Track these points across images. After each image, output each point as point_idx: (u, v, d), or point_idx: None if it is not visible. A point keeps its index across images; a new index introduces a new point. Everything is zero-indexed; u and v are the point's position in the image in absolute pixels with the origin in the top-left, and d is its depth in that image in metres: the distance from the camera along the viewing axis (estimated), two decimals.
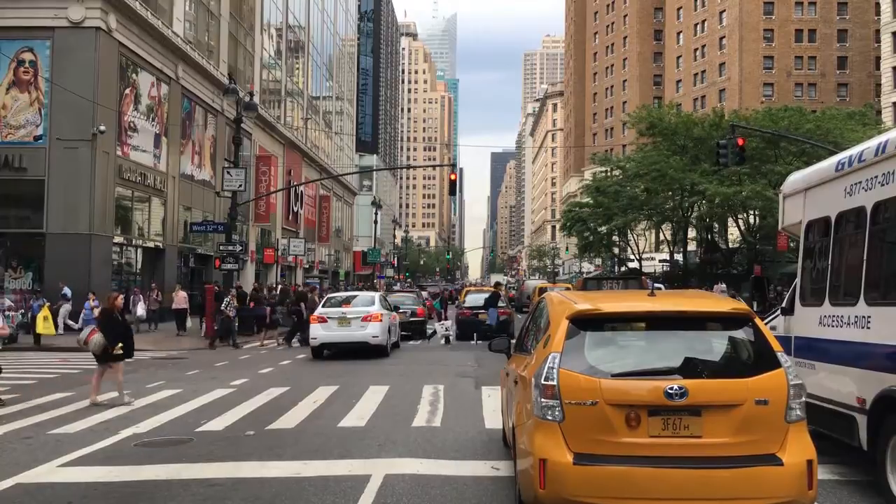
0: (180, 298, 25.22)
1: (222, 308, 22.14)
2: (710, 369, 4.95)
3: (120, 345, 11.35)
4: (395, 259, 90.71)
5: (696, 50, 79.45)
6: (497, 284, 29.32)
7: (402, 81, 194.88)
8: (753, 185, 35.73)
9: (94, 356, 11.45)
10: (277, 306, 26.03)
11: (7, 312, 19.99)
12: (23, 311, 23.23)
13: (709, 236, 48.50)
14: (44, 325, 20.61)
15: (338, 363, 17.04)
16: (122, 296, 12.93)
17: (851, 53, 71.79)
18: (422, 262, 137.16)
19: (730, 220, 44.17)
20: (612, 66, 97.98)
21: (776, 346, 4.97)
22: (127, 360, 11.82)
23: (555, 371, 4.81)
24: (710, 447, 4.60)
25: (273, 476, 6.93)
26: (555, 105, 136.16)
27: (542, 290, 29.96)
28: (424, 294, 29.75)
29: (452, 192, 33.45)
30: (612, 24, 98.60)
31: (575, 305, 5.28)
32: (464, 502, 6.12)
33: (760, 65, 72.35)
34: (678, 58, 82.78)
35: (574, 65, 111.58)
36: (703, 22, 78.50)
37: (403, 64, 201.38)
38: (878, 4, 64.62)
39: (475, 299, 25.96)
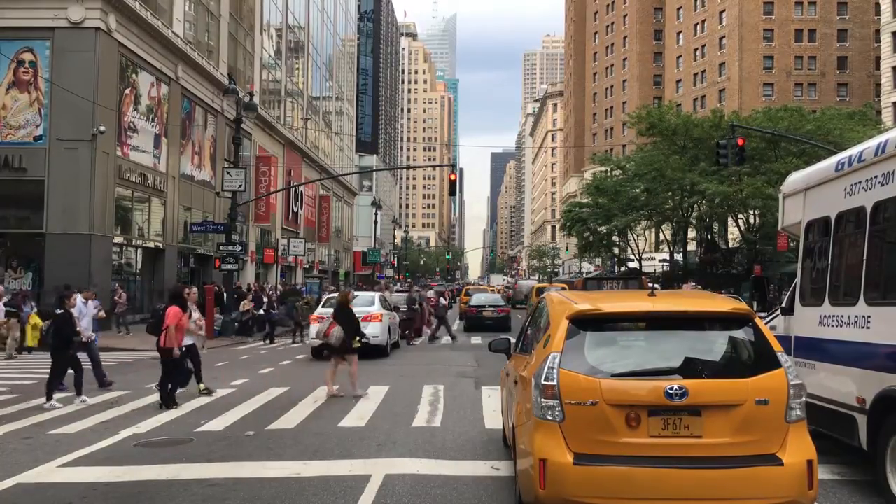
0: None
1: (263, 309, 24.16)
2: (711, 369, 4.95)
3: (357, 338, 11.77)
4: (395, 259, 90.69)
5: (696, 50, 79.45)
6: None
7: (402, 81, 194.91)
8: (753, 181, 35.71)
9: (329, 349, 11.93)
10: (280, 306, 26.16)
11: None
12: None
13: (709, 236, 48.50)
14: (32, 335, 18.65)
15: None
16: (353, 290, 13.85)
17: (851, 53, 71.77)
18: (422, 263, 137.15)
19: (730, 219, 44.16)
20: (612, 66, 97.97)
21: (776, 345, 4.97)
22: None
23: (555, 371, 4.81)
24: (710, 447, 4.59)
25: (273, 476, 6.93)
26: (555, 105, 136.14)
27: (541, 291, 30.38)
28: (430, 293, 29.65)
29: (452, 192, 33.42)
30: (612, 24, 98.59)
31: (575, 305, 5.28)
32: (464, 502, 6.12)
33: (760, 65, 72.33)
34: (678, 58, 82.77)
35: (574, 65, 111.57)
36: (703, 22, 78.49)
37: (403, 64, 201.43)
38: (878, 4, 64.61)
39: (479, 298, 30.66)
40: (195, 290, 12.97)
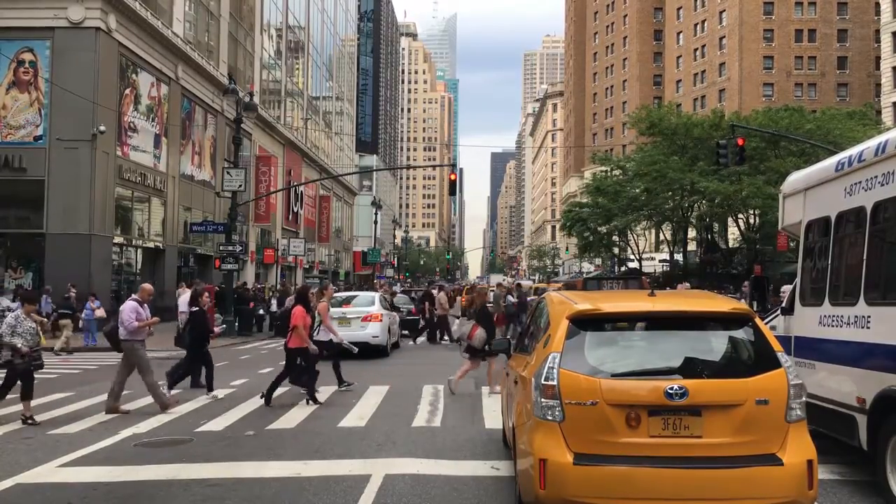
0: (183, 302, 25.55)
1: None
2: (711, 369, 4.95)
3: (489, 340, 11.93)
4: (395, 259, 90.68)
5: (696, 50, 79.45)
6: (499, 285, 29.23)
7: (402, 81, 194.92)
8: (753, 180, 35.71)
9: (471, 351, 12.23)
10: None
11: (6, 313, 19.96)
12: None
13: (709, 236, 48.50)
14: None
15: None
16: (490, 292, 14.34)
17: (851, 53, 71.77)
18: (422, 263, 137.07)
19: (729, 219, 44.16)
20: (612, 66, 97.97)
21: (776, 345, 4.96)
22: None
23: (555, 371, 4.81)
24: (710, 447, 4.59)
25: (273, 476, 6.92)
26: (555, 105, 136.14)
27: (539, 291, 30.41)
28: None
29: (452, 192, 33.42)
30: (612, 24, 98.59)
31: (575, 305, 5.28)
32: (464, 502, 6.12)
33: (760, 65, 72.34)
34: (678, 58, 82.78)
35: (574, 65, 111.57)
36: (703, 22, 78.50)
37: (403, 64, 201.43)
38: (878, 4, 64.62)
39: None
40: (331, 287, 13.42)
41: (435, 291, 23.95)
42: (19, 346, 9.45)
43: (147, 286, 11.55)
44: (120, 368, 10.63)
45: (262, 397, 11.09)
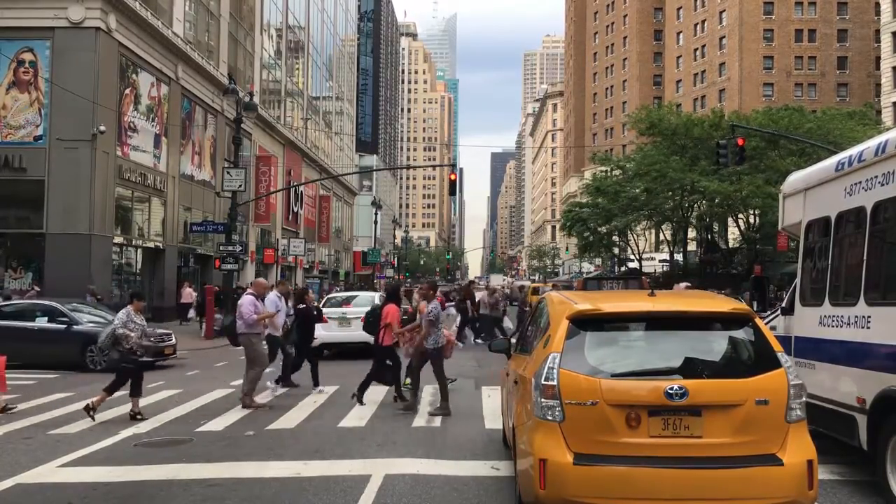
0: (187, 294, 25.76)
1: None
2: (711, 369, 4.95)
3: None
4: (395, 259, 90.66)
5: (696, 50, 79.45)
6: (493, 290, 27.54)
7: (402, 81, 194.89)
8: (753, 178, 35.71)
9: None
10: None
11: None
12: None
13: (709, 236, 48.48)
14: None
15: (338, 363, 17.01)
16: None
17: (851, 53, 71.78)
18: (422, 263, 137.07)
19: (730, 219, 44.15)
20: (612, 66, 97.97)
21: (776, 346, 4.97)
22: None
23: (555, 371, 4.81)
24: (710, 447, 4.60)
25: (273, 476, 6.93)
26: (555, 105, 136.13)
27: (535, 291, 30.39)
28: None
29: (452, 192, 33.42)
30: (612, 24, 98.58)
31: (575, 305, 5.28)
32: (464, 502, 6.12)
33: (760, 65, 72.34)
34: (678, 58, 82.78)
35: (574, 65, 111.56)
36: (703, 22, 78.50)
37: (403, 64, 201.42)
38: (878, 4, 64.61)
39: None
40: (419, 286, 13.53)
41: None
42: (132, 340, 9.82)
43: (262, 280, 12.17)
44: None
45: (353, 398, 11.08)
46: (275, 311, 11.98)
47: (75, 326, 15.84)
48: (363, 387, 11.07)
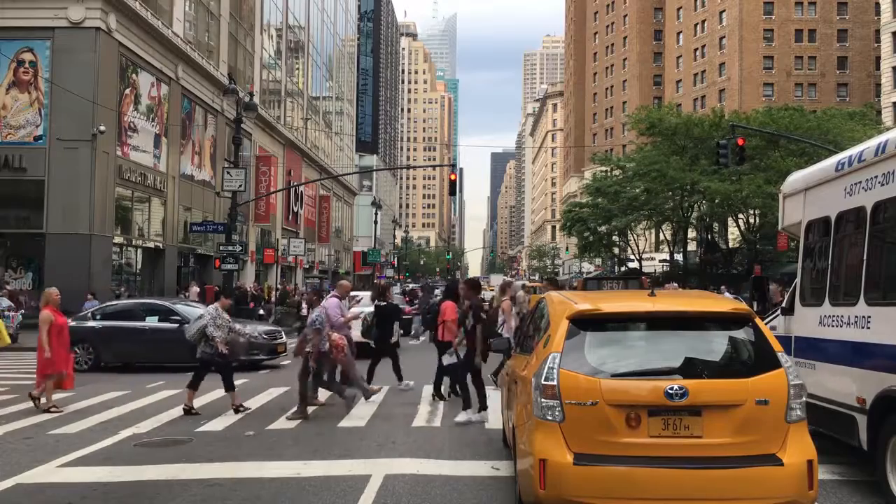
0: (194, 293, 25.91)
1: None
2: (711, 369, 4.95)
3: None
4: (395, 259, 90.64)
5: (696, 50, 79.43)
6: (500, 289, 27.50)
7: (402, 81, 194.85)
8: (753, 178, 35.69)
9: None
10: (277, 306, 26.20)
11: (7, 313, 19.99)
12: (23, 311, 23.20)
13: (709, 236, 48.46)
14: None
15: None
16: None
17: (851, 53, 71.76)
18: (422, 263, 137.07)
19: (730, 219, 44.14)
20: (612, 66, 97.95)
21: (776, 346, 4.97)
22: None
23: (555, 371, 4.81)
24: (710, 447, 4.59)
25: (273, 476, 6.93)
26: (555, 105, 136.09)
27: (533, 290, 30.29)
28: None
29: (452, 192, 33.38)
30: (612, 24, 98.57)
31: (575, 305, 5.28)
32: (464, 502, 6.12)
33: (760, 65, 72.32)
34: (678, 58, 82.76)
35: (574, 65, 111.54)
36: (703, 22, 78.48)
37: (403, 64, 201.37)
38: (878, 4, 64.61)
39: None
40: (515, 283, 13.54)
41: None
42: (218, 339, 10.15)
43: (346, 283, 12.39)
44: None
45: (434, 397, 11.30)
46: (360, 313, 12.20)
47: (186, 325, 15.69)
48: (437, 384, 11.38)
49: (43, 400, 10.79)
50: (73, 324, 15.86)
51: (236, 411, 10.26)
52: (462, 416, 9.49)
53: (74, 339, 15.00)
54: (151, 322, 15.85)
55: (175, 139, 32.45)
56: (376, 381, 12.20)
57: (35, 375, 11.20)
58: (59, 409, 10.65)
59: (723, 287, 31.49)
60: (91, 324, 16.04)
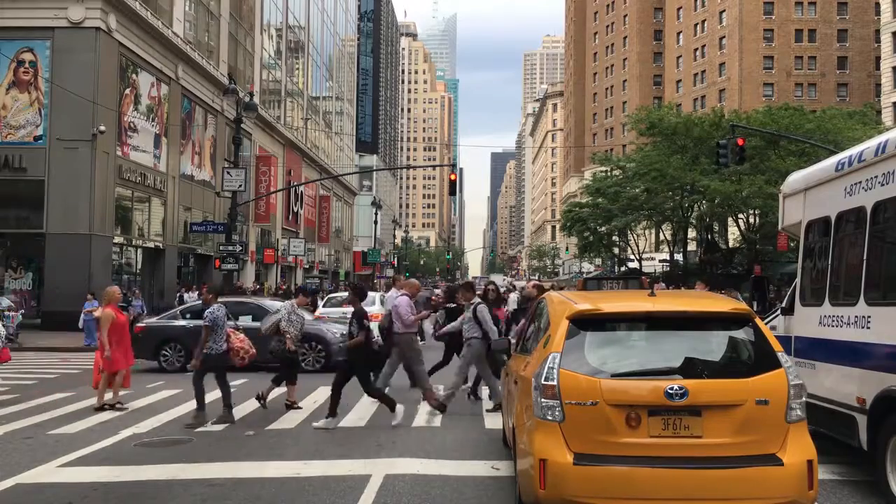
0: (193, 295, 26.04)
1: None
2: (711, 369, 4.94)
3: None
4: (395, 259, 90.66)
5: (696, 50, 79.43)
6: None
7: (402, 81, 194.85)
8: (754, 178, 35.68)
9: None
10: None
11: (7, 313, 19.99)
12: (23, 311, 23.21)
13: (709, 236, 48.43)
14: None
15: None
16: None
17: (851, 53, 71.77)
18: (422, 263, 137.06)
19: (730, 219, 44.12)
20: (612, 66, 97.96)
21: (776, 346, 4.96)
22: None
23: (555, 371, 4.81)
24: (710, 447, 4.59)
25: (273, 476, 6.93)
26: (555, 105, 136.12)
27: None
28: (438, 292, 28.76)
29: (452, 192, 33.35)
30: (612, 24, 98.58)
31: (575, 305, 5.27)
32: (464, 502, 6.12)
33: (760, 65, 72.32)
34: (678, 58, 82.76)
35: (574, 65, 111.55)
36: (703, 22, 78.49)
37: (403, 64, 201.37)
38: (878, 4, 64.61)
39: None
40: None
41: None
42: (289, 335, 10.33)
43: (414, 281, 12.74)
44: (391, 360, 11.38)
45: (469, 397, 11.47)
46: (429, 312, 12.63)
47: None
48: (475, 385, 11.55)
49: (109, 396, 10.79)
50: (162, 323, 16.00)
51: (288, 407, 10.47)
52: (321, 423, 9.32)
53: (164, 338, 15.21)
54: (244, 322, 15.10)
55: (175, 139, 32.46)
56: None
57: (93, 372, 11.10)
58: (124, 406, 10.75)
59: (733, 291, 31.49)
60: (181, 322, 15.59)
